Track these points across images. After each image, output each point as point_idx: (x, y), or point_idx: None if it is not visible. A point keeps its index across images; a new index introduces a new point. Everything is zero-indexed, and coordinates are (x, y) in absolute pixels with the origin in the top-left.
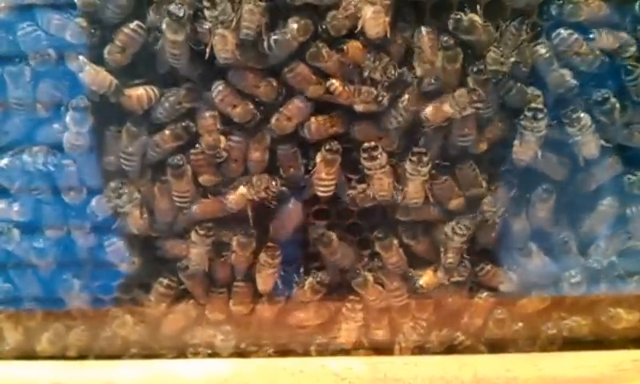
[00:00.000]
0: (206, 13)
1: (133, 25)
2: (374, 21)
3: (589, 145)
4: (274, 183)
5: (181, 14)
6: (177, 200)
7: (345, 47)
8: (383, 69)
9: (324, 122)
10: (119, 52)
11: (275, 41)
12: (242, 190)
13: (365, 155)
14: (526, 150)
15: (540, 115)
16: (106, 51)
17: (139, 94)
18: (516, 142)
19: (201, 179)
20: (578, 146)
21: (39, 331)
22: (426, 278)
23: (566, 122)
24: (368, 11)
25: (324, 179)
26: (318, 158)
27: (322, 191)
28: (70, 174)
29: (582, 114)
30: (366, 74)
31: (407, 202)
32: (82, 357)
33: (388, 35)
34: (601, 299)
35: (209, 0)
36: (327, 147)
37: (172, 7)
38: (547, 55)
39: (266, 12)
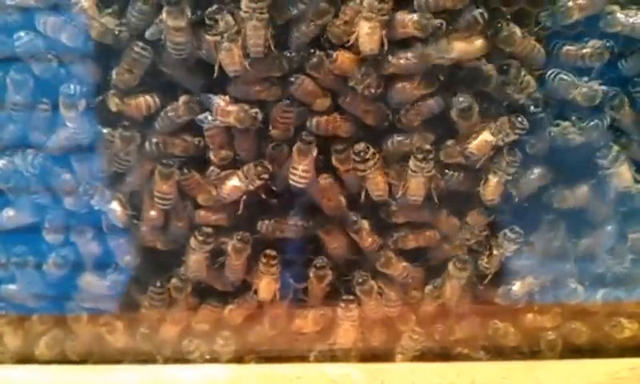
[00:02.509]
0: (209, 29)
1: (138, 47)
2: (368, 37)
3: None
4: (263, 168)
5: None
6: (157, 201)
7: (335, 55)
8: (367, 85)
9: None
10: (127, 73)
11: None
12: (235, 181)
13: (356, 158)
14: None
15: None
16: (114, 73)
17: (138, 101)
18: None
19: (200, 199)
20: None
21: (39, 336)
22: (519, 284)
23: (599, 157)
24: (364, 27)
25: (296, 169)
26: (294, 149)
27: (294, 181)
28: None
29: (613, 147)
30: (351, 83)
31: (407, 197)
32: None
33: (385, 48)
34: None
35: (211, 16)
36: (302, 137)
37: None
38: (569, 78)
39: (269, 23)
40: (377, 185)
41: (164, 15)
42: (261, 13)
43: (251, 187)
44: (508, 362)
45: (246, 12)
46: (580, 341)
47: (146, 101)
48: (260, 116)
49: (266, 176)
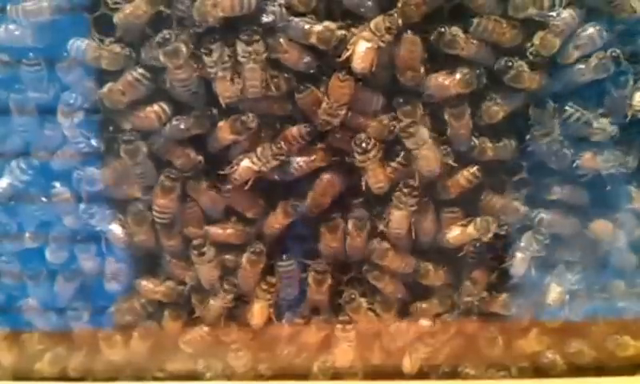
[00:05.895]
0: (205, 59)
1: (136, 72)
2: (363, 56)
3: None
4: (278, 149)
5: (167, 37)
6: (156, 215)
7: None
8: (329, 114)
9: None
10: (119, 95)
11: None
12: (247, 162)
13: (357, 149)
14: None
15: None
16: (106, 88)
17: (147, 112)
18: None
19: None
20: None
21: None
22: (554, 295)
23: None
24: (361, 46)
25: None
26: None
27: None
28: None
29: None
30: (321, 108)
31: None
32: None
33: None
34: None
35: (205, 47)
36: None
37: (159, 38)
38: (584, 117)
39: (266, 64)
40: (376, 177)
41: (161, 57)
42: (256, 55)
43: (264, 169)
44: (511, 381)
45: (243, 57)
46: None
47: (156, 112)
48: (255, 123)
49: (282, 157)
